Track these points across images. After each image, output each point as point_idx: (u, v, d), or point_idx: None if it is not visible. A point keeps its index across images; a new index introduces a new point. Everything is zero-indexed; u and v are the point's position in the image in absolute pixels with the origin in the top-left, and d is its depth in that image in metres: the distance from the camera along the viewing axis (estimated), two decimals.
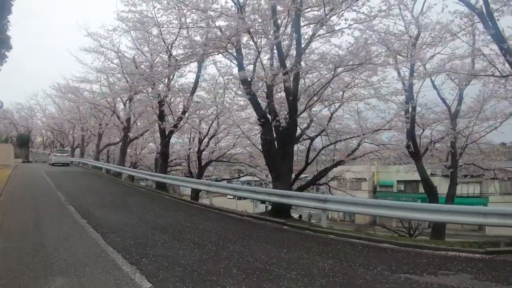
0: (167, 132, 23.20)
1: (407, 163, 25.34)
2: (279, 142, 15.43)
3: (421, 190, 45.61)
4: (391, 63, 18.25)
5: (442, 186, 42.41)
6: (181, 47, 19.97)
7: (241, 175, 38.56)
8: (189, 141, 31.85)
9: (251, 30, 15.18)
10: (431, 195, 20.39)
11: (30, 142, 67.88)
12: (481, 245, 9.05)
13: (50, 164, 40.33)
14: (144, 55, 22.69)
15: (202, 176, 30.17)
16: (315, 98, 19.02)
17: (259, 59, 16.92)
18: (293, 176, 21.21)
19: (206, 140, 29.15)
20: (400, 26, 17.53)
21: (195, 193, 26.39)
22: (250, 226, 11.78)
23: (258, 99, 16.33)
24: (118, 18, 19.71)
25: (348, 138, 22.76)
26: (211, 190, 16.95)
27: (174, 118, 23.91)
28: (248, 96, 15.93)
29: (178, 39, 20.29)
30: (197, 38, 17.10)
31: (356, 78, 20.17)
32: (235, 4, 15.03)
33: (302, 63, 15.80)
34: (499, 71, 14.21)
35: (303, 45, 15.57)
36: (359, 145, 22.94)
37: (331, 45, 17.26)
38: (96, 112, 35.87)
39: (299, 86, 16.47)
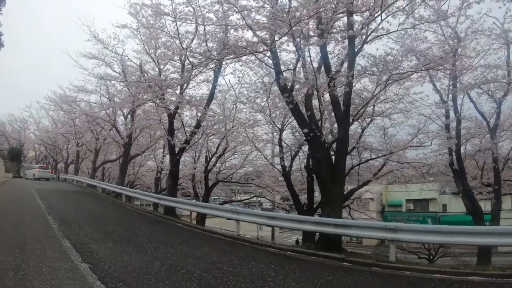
0: (177, 150, 20.37)
1: (430, 181, 25.18)
2: (327, 160, 13.26)
3: (431, 209, 47.29)
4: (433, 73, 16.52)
5: (452, 205, 44.17)
6: (200, 50, 17.24)
7: (238, 196, 36.90)
8: (194, 160, 29.34)
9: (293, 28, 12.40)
10: (477, 216, 19.31)
11: (22, 156, 64.61)
12: None
13: (27, 178, 40.86)
14: (154, 61, 19.89)
15: (209, 197, 28.22)
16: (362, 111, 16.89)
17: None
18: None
19: (213, 159, 26.74)
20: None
21: (201, 216, 23.62)
22: (307, 266, 9.52)
23: None
24: (129, 12, 16.78)
25: (380, 156, 21.00)
26: (241, 219, 13.97)
27: (186, 133, 20.99)
28: (290, 106, 13.47)
29: (195, 40, 17.46)
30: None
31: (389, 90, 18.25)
32: None
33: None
34: None
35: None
36: (384, 163, 21.32)
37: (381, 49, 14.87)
38: (93, 126, 32.81)
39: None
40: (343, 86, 12.99)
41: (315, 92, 13.93)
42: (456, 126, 19.08)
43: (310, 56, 13.64)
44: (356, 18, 12.99)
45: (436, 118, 20.42)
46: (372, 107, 19.28)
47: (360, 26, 12.65)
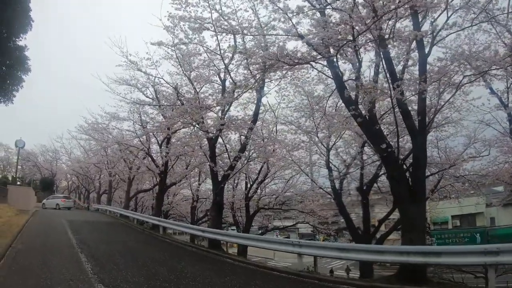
0: (219, 177, 18.84)
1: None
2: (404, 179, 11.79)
3: (478, 223, 45.06)
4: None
5: (500, 217, 42.37)
6: (241, 67, 16.08)
7: (272, 223, 34.80)
8: (233, 187, 27.97)
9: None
10: None
11: (55, 186, 65.41)
12: None
13: (45, 208, 41.01)
14: (191, 82, 18.49)
15: (250, 226, 26.57)
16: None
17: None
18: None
19: (254, 185, 25.53)
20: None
21: (243, 248, 21.55)
22: None
23: None
24: (165, 27, 15.52)
25: (443, 170, 19.54)
26: (304, 252, 12.34)
27: (230, 158, 19.55)
28: (359, 119, 11.99)
29: (236, 58, 16.15)
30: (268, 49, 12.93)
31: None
32: None
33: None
34: None
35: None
36: (441, 178, 20.42)
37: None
38: (125, 155, 31.66)
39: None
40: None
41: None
42: None
43: (383, 60, 11.87)
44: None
45: (495, 123, 19.28)
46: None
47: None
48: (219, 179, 18.74)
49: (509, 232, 38.94)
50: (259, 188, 26.13)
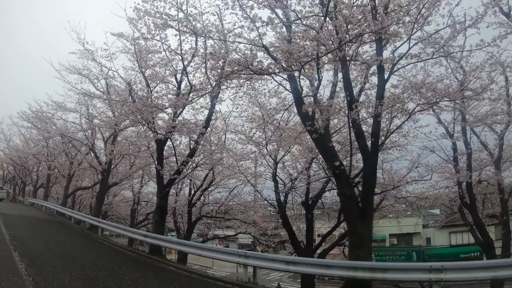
0: (165, 181, 18.26)
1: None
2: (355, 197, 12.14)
3: (415, 242, 47.58)
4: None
5: (436, 238, 44.96)
6: (199, 71, 15.91)
7: (213, 231, 34.63)
8: (176, 192, 27.25)
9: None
10: (488, 248, 19.68)
11: None
12: None
13: None
14: (146, 80, 17.80)
15: (191, 233, 26.14)
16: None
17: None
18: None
19: (198, 192, 25.06)
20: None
21: (183, 255, 21.20)
22: None
23: None
24: (128, 19, 14.79)
25: (387, 191, 20.53)
26: (250, 264, 12.08)
27: (178, 162, 18.95)
28: (314, 135, 12.08)
29: (196, 60, 15.89)
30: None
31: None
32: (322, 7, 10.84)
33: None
34: None
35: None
36: (383, 198, 21.42)
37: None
38: (68, 148, 29.99)
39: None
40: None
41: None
42: (467, 158, 19.46)
43: (342, 81, 12.17)
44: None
45: (440, 150, 20.67)
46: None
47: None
48: (165, 183, 18.17)
49: (443, 252, 41.69)
50: (203, 195, 25.68)
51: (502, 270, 9.35)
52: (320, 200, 21.42)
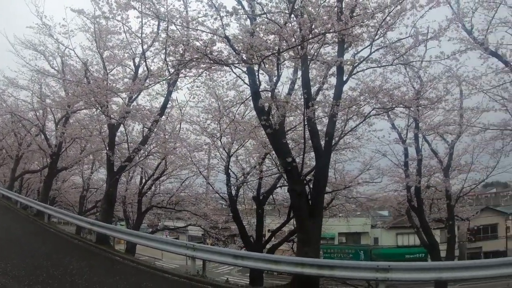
0: (116, 168, 17.64)
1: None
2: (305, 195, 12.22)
3: (363, 242, 49.46)
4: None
5: (383, 238, 47.39)
6: (159, 57, 15.50)
7: (163, 222, 33.93)
8: (127, 180, 26.47)
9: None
10: (434, 250, 20.44)
11: None
12: None
13: None
14: (102, 62, 17.23)
15: (141, 224, 25.50)
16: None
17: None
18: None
19: (149, 181, 24.66)
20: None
21: (131, 245, 20.68)
22: None
23: None
24: None
25: (338, 190, 21.05)
26: (198, 256, 11.83)
27: (130, 149, 18.42)
28: (268, 130, 12.03)
29: (156, 45, 15.34)
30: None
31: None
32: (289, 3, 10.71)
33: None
34: None
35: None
36: (334, 197, 21.91)
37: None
38: (17, 128, 28.25)
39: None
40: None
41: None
42: (417, 164, 20.11)
43: (301, 79, 12.24)
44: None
45: (391, 155, 21.45)
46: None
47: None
48: (115, 170, 17.61)
49: (390, 252, 43.27)
50: (154, 185, 25.30)
51: (446, 272, 9.78)
52: (271, 196, 21.49)
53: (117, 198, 21.39)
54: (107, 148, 17.70)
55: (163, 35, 13.98)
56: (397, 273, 9.69)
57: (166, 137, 21.00)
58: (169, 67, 14.58)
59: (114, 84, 17.12)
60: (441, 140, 20.91)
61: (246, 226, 21.38)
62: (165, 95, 17.49)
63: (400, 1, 10.83)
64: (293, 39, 10.79)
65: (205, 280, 11.30)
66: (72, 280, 8.90)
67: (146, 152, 20.73)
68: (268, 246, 21.17)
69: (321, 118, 13.87)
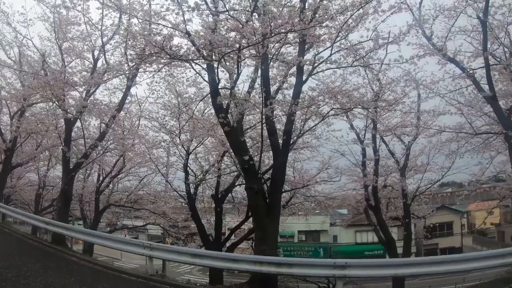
0: (71, 165, 17.19)
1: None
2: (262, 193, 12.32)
3: (322, 239, 50.67)
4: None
5: (342, 236, 48.90)
6: (119, 50, 15.22)
7: (122, 221, 32.82)
8: (84, 178, 25.88)
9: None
10: (390, 247, 21.14)
11: None
12: (505, 283, 10.30)
13: None
14: (61, 53, 16.57)
15: (98, 223, 25.08)
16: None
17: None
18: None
19: (107, 179, 24.24)
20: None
21: (89, 245, 20.28)
22: None
23: None
24: None
25: (296, 189, 21.24)
26: (155, 256, 11.61)
27: (86, 145, 18.05)
28: (226, 128, 11.97)
29: (116, 38, 15.08)
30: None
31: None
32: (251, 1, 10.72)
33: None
34: (473, 128, 16.59)
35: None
36: (292, 196, 21.99)
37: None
38: None
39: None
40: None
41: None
42: (374, 164, 20.94)
43: (261, 77, 12.27)
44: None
45: (350, 155, 21.73)
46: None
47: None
48: (71, 167, 17.12)
49: (349, 249, 44.25)
50: (112, 182, 24.76)
51: (402, 268, 10.22)
52: (231, 194, 21.43)
53: (73, 196, 20.79)
54: (63, 144, 17.15)
55: (124, 28, 13.75)
56: (354, 270, 9.86)
57: (124, 133, 20.55)
58: (128, 61, 14.28)
59: (71, 77, 16.59)
60: (398, 141, 21.46)
61: (205, 225, 21.25)
62: (124, 90, 17.06)
63: (363, 5, 11.06)
64: (254, 37, 10.83)
65: (164, 280, 11.09)
66: (27, 282, 8.60)
67: (103, 149, 20.33)
68: (228, 244, 21.15)
69: (279, 117, 13.99)
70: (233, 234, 22.70)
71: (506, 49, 14.64)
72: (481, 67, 13.99)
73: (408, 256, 20.87)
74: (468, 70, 13.85)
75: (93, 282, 9.90)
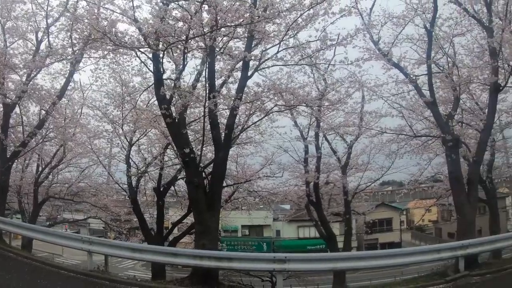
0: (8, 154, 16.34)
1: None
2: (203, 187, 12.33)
3: (266, 234, 51.48)
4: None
5: (285, 230, 50.25)
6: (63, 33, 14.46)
7: (62, 215, 32.03)
8: (23, 168, 24.20)
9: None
10: (331, 241, 21.86)
11: None
12: (440, 276, 11.01)
13: None
14: (3, 33, 15.79)
15: (37, 216, 23.82)
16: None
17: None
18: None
19: (46, 169, 23.13)
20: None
21: (28, 240, 19.41)
22: None
23: None
24: None
25: (239, 183, 21.11)
26: (95, 251, 11.26)
27: (24, 133, 17.24)
28: (168, 120, 11.89)
29: (62, 21, 14.52)
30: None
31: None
32: None
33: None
34: (413, 131, 17.25)
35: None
36: (235, 190, 21.93)
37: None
38: None
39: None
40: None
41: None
42: (316, 161, 21.40)
43: (206, 70, 12.14)
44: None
45: (292, 151, 22.10)
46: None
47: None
48: (8, 156, 16.25)
49: (292, 244, 45.06)
50: (52, 173, 23.63)
51: (341, 262, 10.69)
52: (173, 188, 21.22)
53: (10, 187, 19.76)
54: (0, 131, 16.27)
55: (72, 10, 13.23)
56: (294, 264, 10.11)
57: (66, 121, 19.76)
58: (73, 45, 13.80)
59: (12, 59, 15.79)
60: (341, 140, 22.08)
61: (148, 219, 21.01)
62: (66, 76, 16.33)
63: (313, 5, 11.29)
64: (202, 29, 10.79)
65: (104, 276, 10.88)
66: None
67: (43, 137, 19.54)
68: (170, 238, 20.95)
69: (223, 110, 14.06)
70: (176, 228, 22.48)
71: (449, 59, 15.51)
72: (424, 74, 14.66)
73: (348, 251, 21.51)
74: (411, 76, 14.47)
75: (31, 279, 9.62)
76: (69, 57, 14.72)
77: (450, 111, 15.31)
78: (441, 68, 15.69)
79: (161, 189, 19.62)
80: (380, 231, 53.25)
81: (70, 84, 17.16)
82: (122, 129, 19.16)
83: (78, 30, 12.90)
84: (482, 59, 15.88)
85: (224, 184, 17.95)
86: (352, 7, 12.79)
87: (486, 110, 15.05)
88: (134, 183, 19.84)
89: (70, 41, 13.66)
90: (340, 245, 22.73)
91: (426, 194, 35.62)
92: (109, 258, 11.75)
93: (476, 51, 16.41)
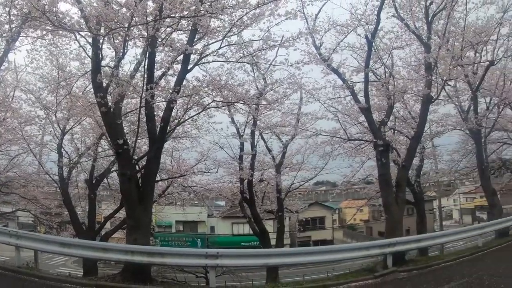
0: None
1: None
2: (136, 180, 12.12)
3: (200, 230, 51.59)
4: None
5: (219, 227, 50.93)
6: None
7: None
8: None
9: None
10: (264, 238, 21.72)
11: None
12: (370, 272, 11.45)
13: None
14: None
15: None
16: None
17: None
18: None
19: None
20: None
21: None
22: None
23: None
24: None
25: (173, 178, 20.88)
26: (22, 245, 10.70)
27: None
28: (103, 109, 11.54)
29: None
30: None
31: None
32: None
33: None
34: (347, 134, 17.97)
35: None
36: (169, 185, 21.69)
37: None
38: None
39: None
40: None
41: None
42: (251, 159, 21.22)
43: (146, 60, 11.88)
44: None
45: (228, 148, 21.94)
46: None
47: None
48: None
49: (225, 240, 45.50)
50: None
51: (274, 258, 11.05)
52: (107, 180, 20.74)
53: None
54: None
55: None
56: (226, 259, 10.33)
57: None
58: (11, 22, 12.87)
59: None
60: (276, 139, 22.32)
61: (79, 212, 20.37)
62: (0, 55, 15.00)
63: (260, 5, 11.42)
64: (145, 17, 10.59)
65: (33, 273, 10.47)
66: None
67: None
68: (103, 233, 20.35)
69: (160, 103, 13.72)
70: (109, 223, 21.89)
71: (387, 70, 16.38)
72: (361, 82, 15.24)
73: (280, 247, 21.71)
74: (349, 82, 15.06)
75: None
76: (4, 34, 13.75)
77: (383, 118, 16.15)
78: (378, 77, 16.55)
79: (94, 181, 19.01)
80: (313, 229, 55.46)
81: (4, 64, 15.91)
82: (56, 116, 18.30)
83: (18, 7, 12.08)
84: (418, 72, 17.03)
85: (158, 178, 17.77)
86: (299, 11, 13.12)
87: (418, 120, 16.03)
88: (65, 174, 19.09)
89: (8, 17, 12.74)
90: (273, 242, 22.95)
91: (358, 194, 37.27)
92: (39, 254, 11.26)
93: (413, 64, 17.73)
